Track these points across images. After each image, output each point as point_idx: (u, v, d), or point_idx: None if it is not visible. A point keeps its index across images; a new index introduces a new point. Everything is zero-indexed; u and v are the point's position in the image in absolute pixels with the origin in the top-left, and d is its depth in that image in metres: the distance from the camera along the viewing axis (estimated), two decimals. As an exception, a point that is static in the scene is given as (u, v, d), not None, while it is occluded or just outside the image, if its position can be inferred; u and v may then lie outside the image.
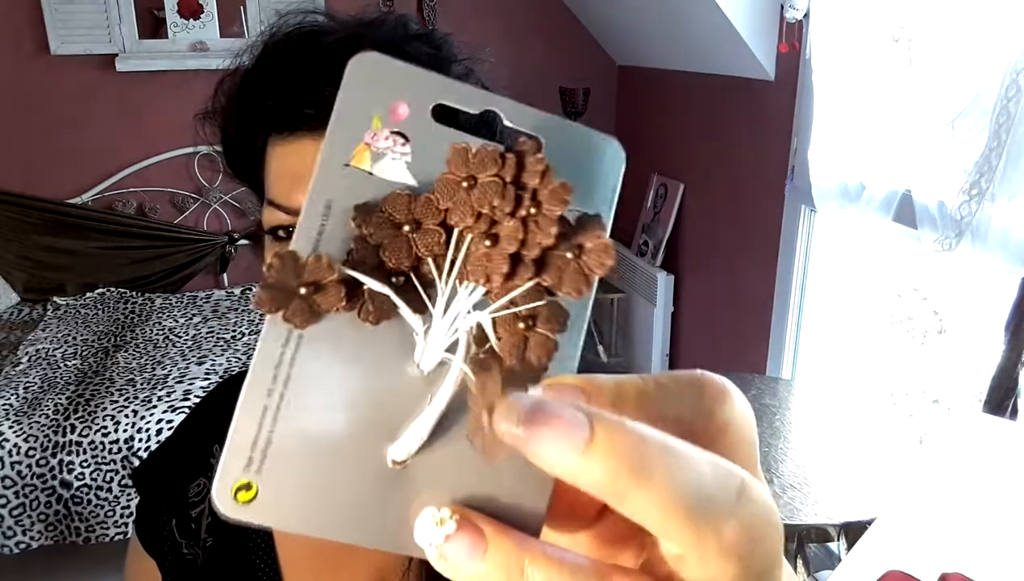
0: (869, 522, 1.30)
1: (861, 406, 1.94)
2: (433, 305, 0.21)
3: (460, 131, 0.22)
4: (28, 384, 2.26)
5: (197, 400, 2.16)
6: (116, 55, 2.87)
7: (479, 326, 0.21)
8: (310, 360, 0.21)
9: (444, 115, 0.22)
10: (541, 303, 0.21)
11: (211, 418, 0.69)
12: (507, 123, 0.23)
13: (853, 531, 1.48)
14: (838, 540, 1.55)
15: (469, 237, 0.21)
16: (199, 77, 3.03)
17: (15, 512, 2.03)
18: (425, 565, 0.55)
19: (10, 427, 2.05)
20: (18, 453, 2.02)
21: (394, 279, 0.21)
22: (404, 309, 0.21)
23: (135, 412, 2.11)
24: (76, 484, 2.04)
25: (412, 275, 0.21)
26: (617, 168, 0.23)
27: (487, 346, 0.21)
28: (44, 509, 2.04)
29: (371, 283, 0.21)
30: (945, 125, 1.65)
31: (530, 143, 0.21)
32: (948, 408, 2.04)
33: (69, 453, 2.03)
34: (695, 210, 2.92)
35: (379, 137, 0.22)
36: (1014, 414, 1.47)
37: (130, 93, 2.99)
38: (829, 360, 2.39)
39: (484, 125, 0.23)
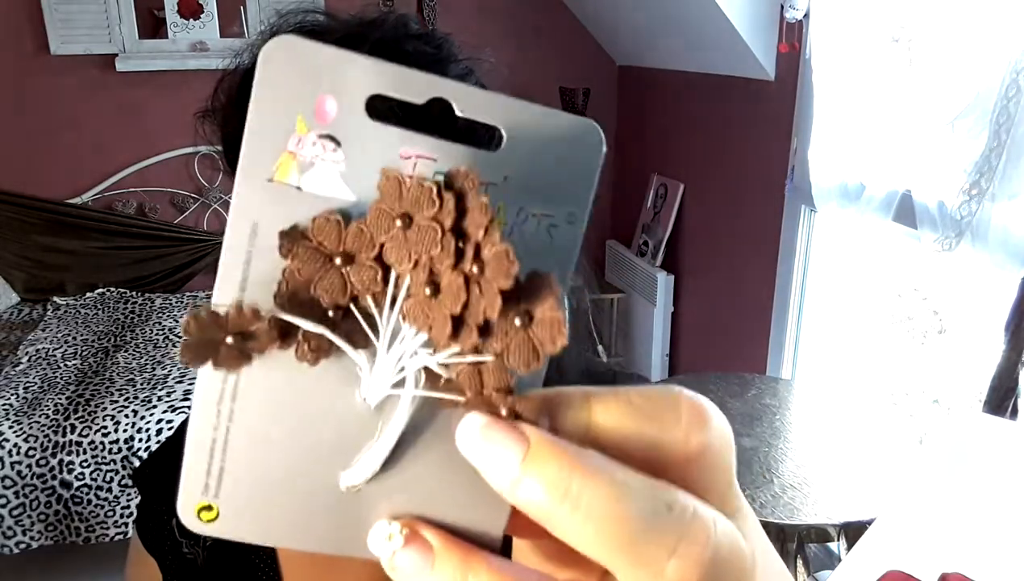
0: (869, 522, 1.30)
1: (861, 406, 1.94)
2: (376, 337, 0.20)
3: (404, 128, 0.19)
4: (28, 384, 2.26)
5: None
6: (116, 55, 2.87)
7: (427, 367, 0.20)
8: (251, 394, 0.20)
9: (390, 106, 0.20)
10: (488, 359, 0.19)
11: None
12: (460, 113, 0.20)
13: (853, 531, 1.48)
14: (838, 540, 1.55)
15: (408, 279, 0.19)
16: (199, 77, 3.03)
17: (15, 512, 2.03)
18: None
19: (10, 427, 2.05)
20: (18, 453, 2.02)
21: (331, 313, 0.19)
22: (346, 347, 0.20)
23: (135, 412, 2.11)
24: (76, 484, 2.04)
25: (352, 306, 0.20)
26: (595, 156, 0.20)
27: (442, 382, 0.20)
28: (44, 509, 2.04)
29: (304, 324, 0.19)
30: (945, 125, 1.65)
31: (471, 176, 0.19)
32: (948, 408, 2.04)
33: (69, 453, 2.03)
34: (695, 210, 2.92)
35: (305, 143, 0.19)
36: (1014, 414, 1.47)
37: (130, 93, 2.99)
38: (829, 360, 2.39)
39: (440, 114, 0.21)
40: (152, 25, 2.94)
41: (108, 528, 2.08)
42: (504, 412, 0.19)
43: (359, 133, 0.19)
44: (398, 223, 0.19)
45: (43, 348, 2.50)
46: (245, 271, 0.19)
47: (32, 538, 2.06)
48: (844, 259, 2.30)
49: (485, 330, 0.19)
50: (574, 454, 0.18)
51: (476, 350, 0.19)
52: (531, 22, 3.26)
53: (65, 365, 2.40)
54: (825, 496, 1.58)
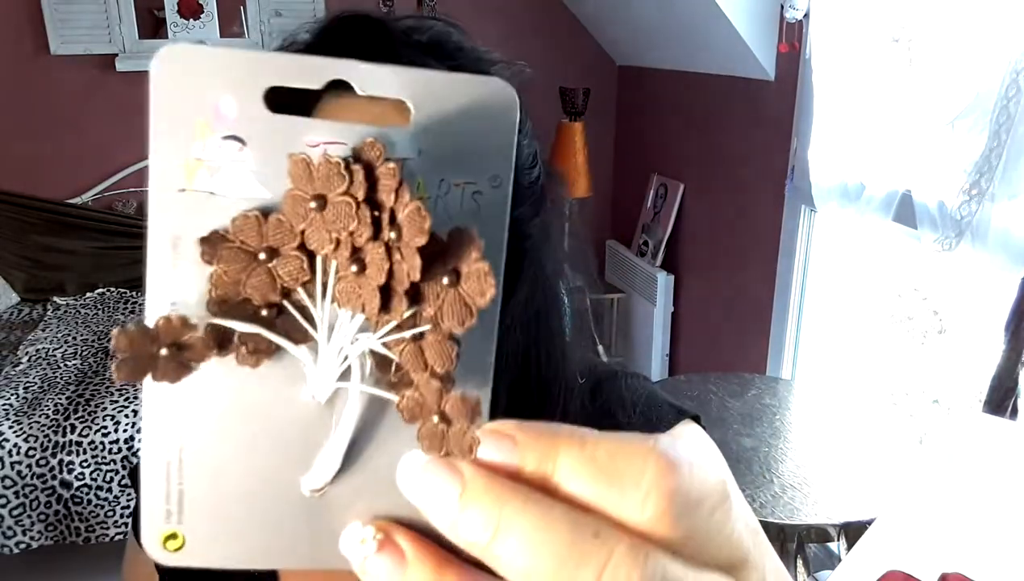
0: (869, 522, 1.29)
1: (861, 406, 1.94)
2: (315, 330, 0.19)
3: (302, 116, 0.19)
4: (28, 384, 2.26)
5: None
6: (116, 55, 2.87)
7: (371, 351, 0.20)
8: (200, 406, 0.20)
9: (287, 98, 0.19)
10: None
11: None
12: (360, 92, 0.19)
13: (853, 531, 1.48)
14: (838, 540, 1.55)
15: (334, 262, 0.19)
16: (199, 77, 3.04)
17: (15, 512, 2.03)
18: None
19: (10, 427, 2.05)
20: (18, 453, 2.02)
21: (265, 312, 0.19)
22: (285, 343, 0.19)
23: (135, 412, 2.11)
24: (76, 484, 2.04)
25: (286, 302, 0.19)
26: (510, 114, 0.20)
27: (392, 366, 0.20)
28: (44, 509, 2.04)
29: (238, 326, 0.19)
30: (945, 125, 1.65)
31: (377, 146, 0.18)
32: (948, 408, 2.04)
33: (69, 453, 2.03)
34: (695, 210, 2.92)
35: (209, 147, 0.19)
36: (1014, 414, 1.47)
37: (130, 93, 2.99)
38: (829, 360, 2.39)
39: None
40: (152, 25, 2.94)
41: (108, 528, 2.08)
42: (441, 416, 0.19)
43: (263, 129, 0.19)
44: (312, 205, 0.18)
45: (43, 348, 2.50)
46: (173, 284, 0.19)
47: (32, 538, 2.06)
48: (844, 259, 2.30)
49: (415, 296, 0.19)
50: (505, 489, 0.19)
51: (413, 323, 0.19)
52: (531, 22, 3.26)
53: (65, 365, 2.40)
54: (825, 496, 1.58)
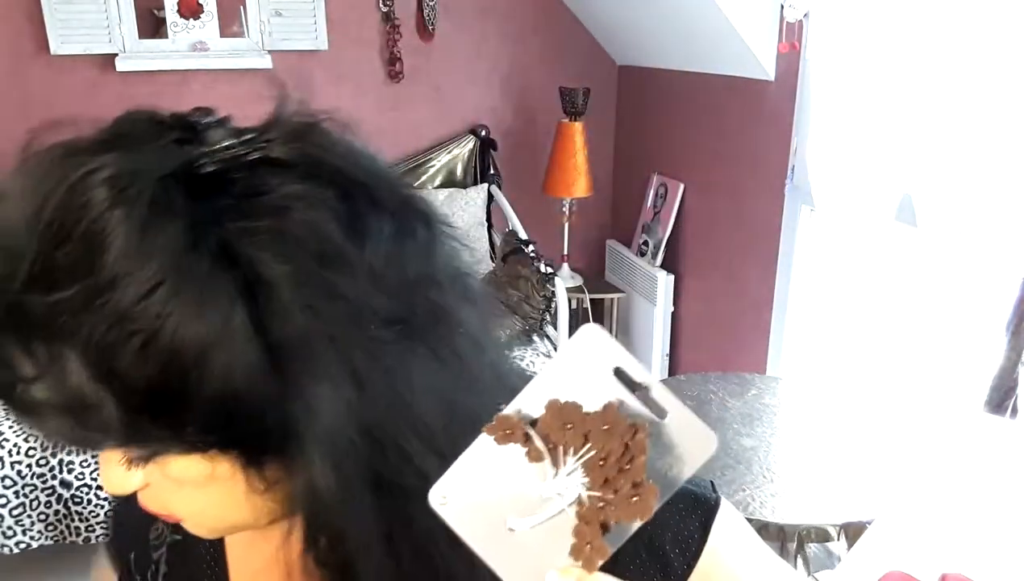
0: (869, 522, 1.30)
1: (861, 406, 1.94)
2: (560, 465, 0.36)
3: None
4: (28, 384, 2.26)
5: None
6: (116, 55, 2.87)
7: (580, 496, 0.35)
8: (499, 453, 0.36)
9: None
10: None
11: None
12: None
13: (853, 531, 1.48)
14: (838, 540, 1.55)
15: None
16: (199, 77, 3.03)
17: (15, 512, 2.03)
18: None
19: (10, 427, 2.05)
20: (18, 453, 2.02)
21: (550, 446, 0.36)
22: (548, 460, 0.35)
23: (135, 412, 2.11)
24: (76, 484, 2.04)
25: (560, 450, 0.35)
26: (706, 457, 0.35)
27: (588, 505, 0.35)
28: (44, 509, 2.04)
29: (538, 442, 0.36)
30: (945, 125, 1.65)
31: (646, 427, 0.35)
32: (948, 408, 2.04)
33: (69, 453, 2.03)
34: (695, 210, 2.92)
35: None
36: (1014, 414, 1.47)
37: (130, 93, 2.99)
38: (829, 360, 2.39)
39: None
40: (152, 25, 2.94)
41: (108, 528, 2.08)
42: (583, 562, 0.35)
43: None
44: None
45: (43, 348, 2.50)
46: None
47: (32, 538, 2.06)
48: (844, 259, 2.30)
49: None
50: None
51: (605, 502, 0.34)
52: (531, 22, 3.26)
53: (65, 365, 2.40)
54: (825, 496, 1.58)
